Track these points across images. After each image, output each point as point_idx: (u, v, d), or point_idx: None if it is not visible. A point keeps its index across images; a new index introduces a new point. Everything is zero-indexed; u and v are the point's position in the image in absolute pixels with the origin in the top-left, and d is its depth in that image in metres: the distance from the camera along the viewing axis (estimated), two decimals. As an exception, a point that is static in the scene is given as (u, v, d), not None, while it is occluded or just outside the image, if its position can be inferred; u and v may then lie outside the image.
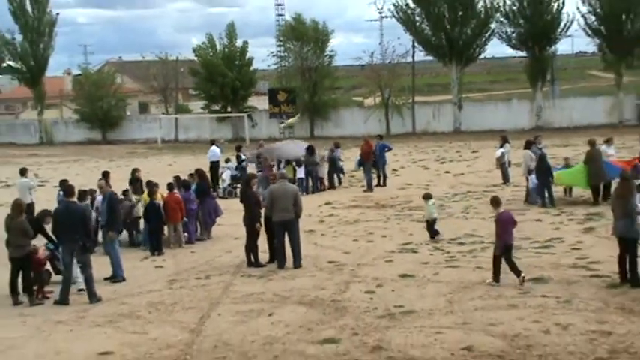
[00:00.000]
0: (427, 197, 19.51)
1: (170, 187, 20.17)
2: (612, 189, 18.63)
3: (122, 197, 19.37)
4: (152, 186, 19.68)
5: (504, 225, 14.21)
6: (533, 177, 23.12)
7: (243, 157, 30.64)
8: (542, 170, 22.59)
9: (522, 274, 13.84)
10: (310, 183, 28.87)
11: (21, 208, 15.18)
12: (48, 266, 16.01)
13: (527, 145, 24.68)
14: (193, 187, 21.09)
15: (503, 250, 14.06)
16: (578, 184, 22.88)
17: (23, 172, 23.66)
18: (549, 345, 10.48)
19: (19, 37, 67.41)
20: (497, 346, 10.57)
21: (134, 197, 20.45)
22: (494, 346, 10.57)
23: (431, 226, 18.86)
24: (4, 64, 70.83)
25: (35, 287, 14.81)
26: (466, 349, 10.48)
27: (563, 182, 23.20)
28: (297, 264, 16.34)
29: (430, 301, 13.01)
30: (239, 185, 24.06)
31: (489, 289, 13.64)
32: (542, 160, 22.82)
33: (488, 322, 11.65)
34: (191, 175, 22.24)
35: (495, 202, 14.86)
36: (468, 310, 12.39)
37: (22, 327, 12.96)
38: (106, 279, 15.76)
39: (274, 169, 27.19)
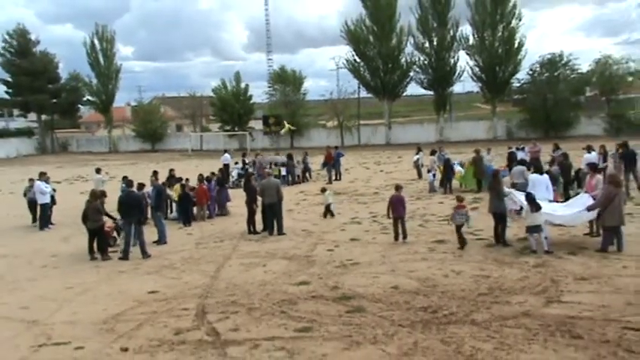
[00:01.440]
0: (323, 190, 19.59)
1: (200, 179, 20.08)
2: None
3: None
4: (184, 186, 19.53)
5: (395, 203, 14.37)
6: (430, 174, 23.44)
7: (247, 161, 30.59)
8: (447, 169, 22.75)
9: (398, 239, 14.15)
10: (290, 178, 28.76)
11: (96, 196, 15.01)
12: (114, 234, 15.86)
13: (432, 153, 25.09)
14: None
15: (396, 218, 14.30)
16: (468, 182, 23.00)
17: (98, 171, 23.36)
18: (448, 285, 10.53)
19: (94, 80, 67.62)
20: (414, 285, 10.59)
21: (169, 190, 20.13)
22: (412, 285, 10.60)
23: (327, 208, 18.71)
24: (85, 99, 70.59)
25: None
26: (394, 287, 10.49)
27: (460, 178, 23.34)
28: (280, 232, 16.23)
29: (370, 256, 13.02)
30: (243, 179, 23.89)
31: (409, 247, 13.67)
32: (448, 162, 22.99)
33: (408, 270, 11.67)
34: (213, 173, 22.06)
35: (397, 187, 15.02)
36: (395, 262, 12.41)
37: (97, 275, 12.80)
38: (153, 242, 15.58)
39: (266, 169, 27.04)
